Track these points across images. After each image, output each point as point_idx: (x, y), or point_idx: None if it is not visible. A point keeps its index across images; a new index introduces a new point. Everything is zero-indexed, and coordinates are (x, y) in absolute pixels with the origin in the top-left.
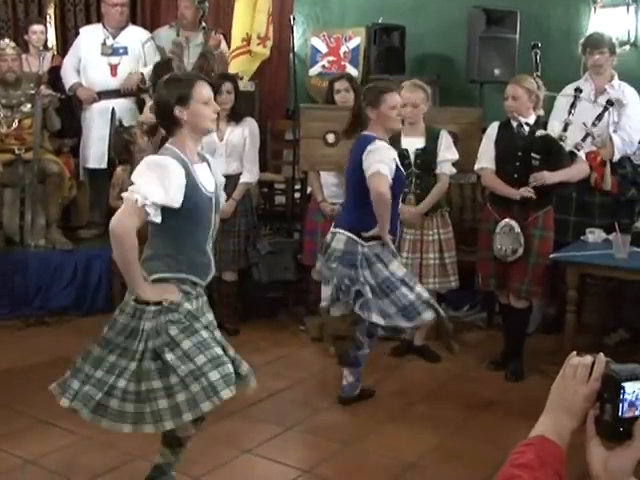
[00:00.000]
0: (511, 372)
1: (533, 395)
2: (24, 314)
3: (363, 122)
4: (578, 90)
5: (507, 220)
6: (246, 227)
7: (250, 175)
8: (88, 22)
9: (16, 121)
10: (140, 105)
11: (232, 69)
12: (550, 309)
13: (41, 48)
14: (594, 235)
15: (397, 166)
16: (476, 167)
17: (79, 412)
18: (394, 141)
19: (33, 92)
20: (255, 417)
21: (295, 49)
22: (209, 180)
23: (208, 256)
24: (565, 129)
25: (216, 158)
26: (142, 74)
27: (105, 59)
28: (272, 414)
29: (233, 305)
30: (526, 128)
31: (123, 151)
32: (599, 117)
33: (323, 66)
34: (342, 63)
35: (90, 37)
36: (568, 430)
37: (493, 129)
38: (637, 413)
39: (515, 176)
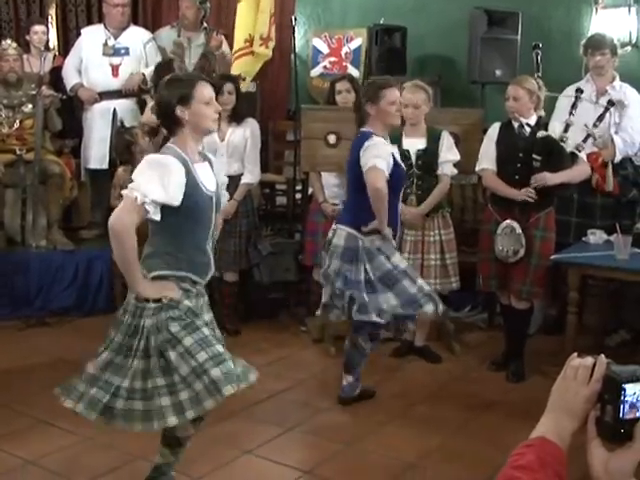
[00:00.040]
0: (512, 373)
1: (534, 396)
2: (25, 314)
3: (362, 118)
4: (579, 91)
5: (508, 221)
6: (247, 228)
7: (251, 176)
8: (89, 23)
9: (17, 121)
10: (141, 106)
11: (235, 70)
12: (551, 310)
13: (42, 49)
14: (595, 236)
15: (396, 161)
16: (477, 168)
17: (85, 415)
18: (395, 141)
19: (34, 92)
20: (256, 418)
21: (296, 50)
22: (210, 179)
23: (208, 255)
24: (566, 130)
25: (217, 159)
26: (143, 75)
27: (106, 59)
28: (273, 415)
29: (234, 306)
30: (527, 129)
31: (124, 152)
32: (600, 118)
33: (324, 67)
34: (343, 64)
35: (91, 37)
36: (569, 431)
37: (494, 130)
38: (638, 415)
39: (516, 177)
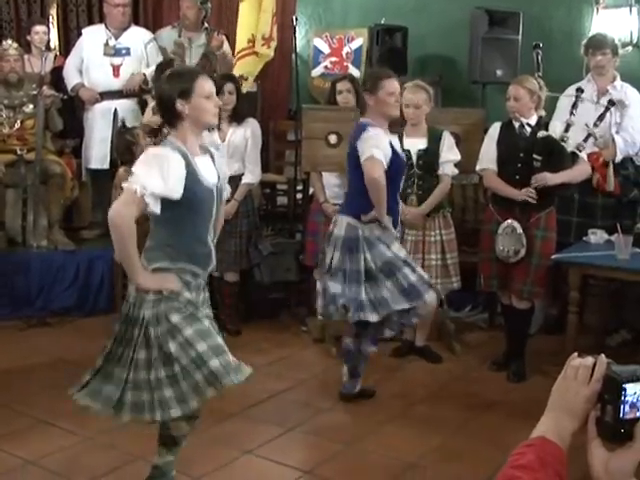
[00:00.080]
0: (513, 373)
1: (535, 396)
2: (26, 314)
3: (362, 108)
4: (580, 90)
5: (509, 221)
6: (248, 228)
7: (252, 176)
8: (90, 23)
9: (18, 122)
10: (142, 106)
11: (238, 70)
12: (552, 310)
13: (43, 49)
14: (596, 236)
15: (395, 150)
16: (478, 168)
17: (102, 414)
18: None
19: (35, 93)
20: (256, 418)
21: (297, 50)
22: (211, 172)
23: (209, 246)
24: (567, 130)
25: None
26: (144, 75)
27: (107, 60)
28: (273, 415)
29: (235, 306)
30: (528, 129)
31: (125, 152)
32: (601, 117)
33: (325, 67)
34: (344, 64)
35: (92, 38)
36: (569, 431)
37: (495, 130)
38: (638, 414)
39: (517, 177)
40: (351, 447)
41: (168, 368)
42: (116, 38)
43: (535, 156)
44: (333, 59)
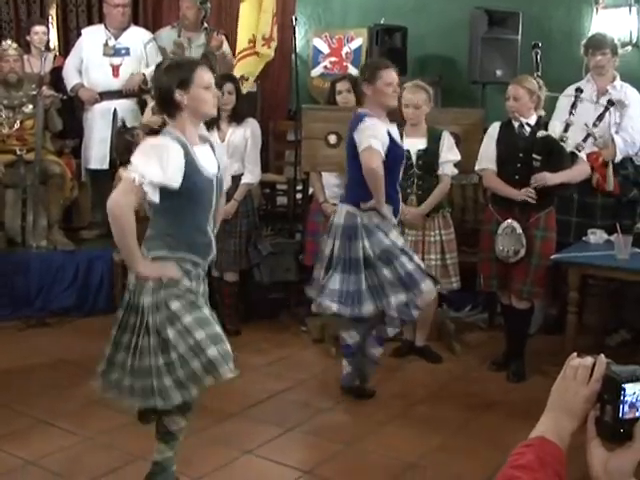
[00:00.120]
0: (513, 373)
1: (534, 396)
2: (25, 315)
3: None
4: (579, 90)
5: (509, 221)
6: (247, 228)
7: (252, 176)
8: (90, 23)
9: (18, 122)
10: (142, 106)
11: (239, 71)
12: (552, 310)
13: (43, 49)
14: (596, 236)
15: (392, 139)
16: (477, 168)
17: (119, 401)
18: None
19: (35, 93)
20: (256, 418)
21: (297, 50)
22: (210, 162)
23: (209, 236)
24: (566, 130)
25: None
26: (144, 75)
27: (107, 60)
28: (273, 415)
29: (234, 306)
30: (527, 129)
31: (125, 152)
32: (600, 117)
33: (325, 67)
34: (344, 64)
35: (92, 38)
36: (568, 431)
37: (494, 129)
38: (637, 414)
39: (516, 177)
40: (351, 447)
41: (166, 355)
42: (116, 38)
43: (534, 156)
44: (333, 59)
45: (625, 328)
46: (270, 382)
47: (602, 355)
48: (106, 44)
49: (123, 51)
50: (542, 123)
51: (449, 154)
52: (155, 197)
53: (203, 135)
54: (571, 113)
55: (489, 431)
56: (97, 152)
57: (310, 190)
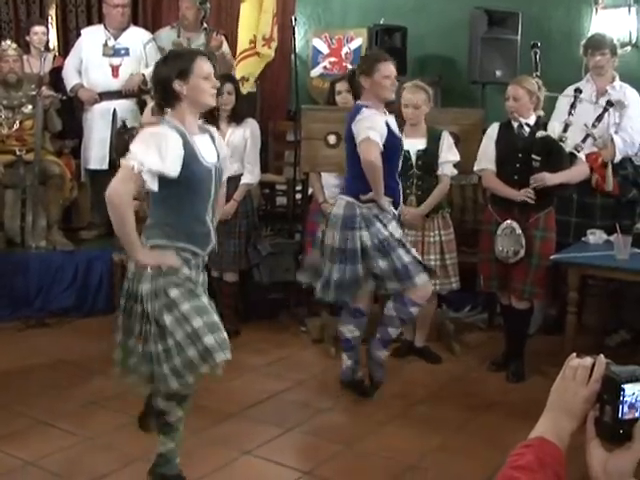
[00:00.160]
0: (512, 373)
1: (534, 396)
2: (24, 315)
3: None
4: (578, 91)
5: (508, 221)
6: (247, 228)
7: (251, 176)
8: (89, 23)
9: (17, 122)
10: (141, 106)
11: (240, 71)
12: (551, 310)
13: (42, 49)
14: (595, 236)
15: (391, 130)
16: (476, 168)
17: (135, 385)
18: None
19: (34, 93)
20: (255, 418)
21: (297, 50)
22: (210, 151)
23: (208, 226)
24: (565, 130)
25: None
26: (143, 75)
27: (106, 60)
28: (272, 415)
29: (234, 306)
30: (526, 129)
31: (125, 152)
32: (599, 118)
33: (324, 67)
34: (344, 64)
35: (91, 38)
36: (568, 431)
37: (493, 130)
38: (637, 415)
39: (515, 177)
40: (350, 447)
41: (163, 342)
42: (115, 38)
43: (534, 156)
44: (332, 59)
45: (625, 328)
46: (269, 382)
47: (601, 355)
48: (105, 44)
49: (123, 51)
50: (541, 123)
51: (449, 154)
52: (154, 185)
53: (203, 125)
54: (570, 113)
55: (489, 431)
56: (97, 152)
57: (309, 190)
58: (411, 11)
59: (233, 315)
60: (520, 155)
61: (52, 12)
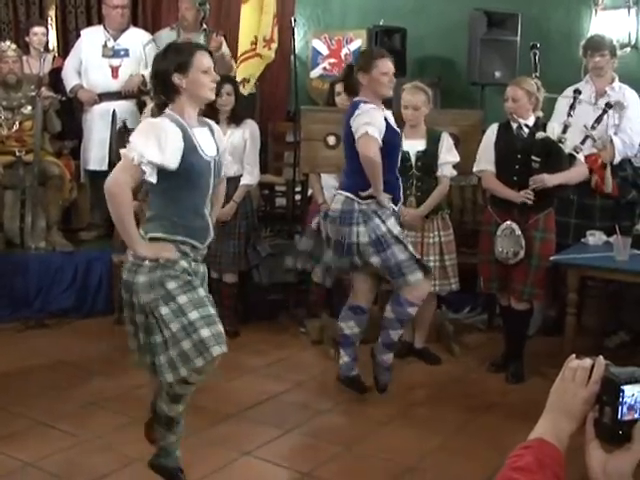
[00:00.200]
0: (511, 374)
1: (533, 397)
2: (24, 316)
3: (355, 88)
4: (577, 92)
5: (508, 222)
6: (246, 229)
7: (250, 177)
8: (89, 24)
9: (17, 123)
10: (141, 107)
11: (242, 73)
12: (551, 311)
13: (42, 50)
14: (595, 237)
15: (389, 126)
16: (475, 169)
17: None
18: None
19: (34, 94)
20: (254, 419)
21: (296, 51)
22: (209, 144)
23: (206, 220)
24: (564, 131)
25: None
26: (143, 76)
27: (106, 61)
28: (272, 416)
29: (233, 307)
30: (525, 130)
31: None
32: (598, 120)
33: (324, 68)
34: (343, 65)
35: (91, 39)
36: (567, 433)
37: (492, 131)
38: (636, 416)
39: (515, 178)
40: (350, 449)
41: (160, 334)
42: (115, 39)
43: (533, 157)
44: (332, 60)
45: (624, 330)
46: (269, 383)
47: (601, 357)
48: (105, 45)
49: (122, 52)
50: (540, 124)
51: (448, 155)
52: (153, 177)
53: (202, 119)
54: (569, 114)
55: (488, 432)
56: (96, 153)
57: (309, 191)
58: (410, 12)
59: (232, 316)
60: (519, 156)
61: (52, 13)
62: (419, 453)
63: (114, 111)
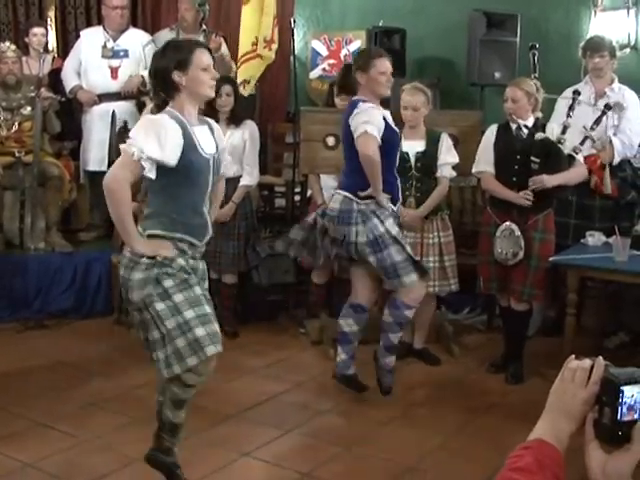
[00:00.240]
0: (511, 375)
1: (533, 398)
2: (23, 317)
3: (353, 87)
4: (576, 93)
5: (507, 223)
6: (246, 230)
7: (250, 178)
8: (89, 25)
9: (16, 124)
10: (140, 108)
11: (243, 74)
12: (550, 312)
13: (41, 51)
14: (594, 238)
15: (388, 124)
16: (474, 170)
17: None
18: None
19: (33, 95)
20: (254, 420)
21: (296, 52)
22: (209, 142)
23: (205, 217)
24: (564, 132)
25: None
26: (142, 77)
27: (106, 62)
28: (271, 417)
29: (233, 308)
30: (525, 131)
31: None
32: (597, 121)
33: (324, 69)
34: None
35: (91, 40)
36: (566, 433)
37: (492, 132)
38: (636, 417)
39: (514, 179)
40: (349, 449)
41: (157, 330)
42: (114, 40)
43: (532, 158)
44: (331, 61)
45: (623, 330)
46: (268, 384)
47: (600, 357)
48: (105, 46)
49: (122, 53)
50: (540, 125)
51: (447, 156)
52: (152, 173)
53: (202, 117)
54: (569, 115)
55: (488, 433)
56: (96, 154)
57: (308, 192)
58: (410, 13)
59: (232, 317)
60: (519, 157)
61: (51, 13)
62: (419, 453)
63: (113, 112)
